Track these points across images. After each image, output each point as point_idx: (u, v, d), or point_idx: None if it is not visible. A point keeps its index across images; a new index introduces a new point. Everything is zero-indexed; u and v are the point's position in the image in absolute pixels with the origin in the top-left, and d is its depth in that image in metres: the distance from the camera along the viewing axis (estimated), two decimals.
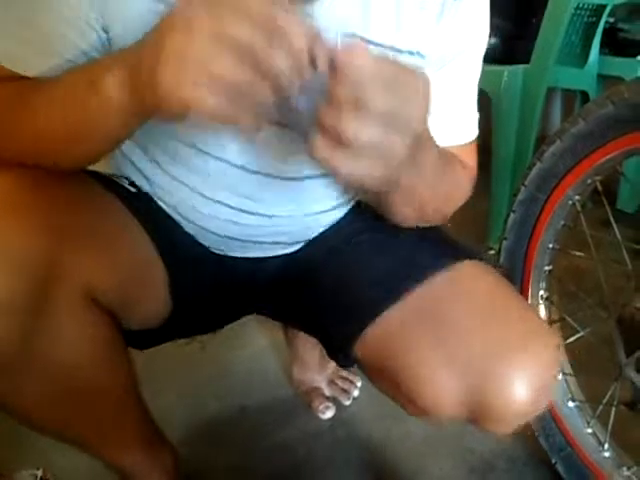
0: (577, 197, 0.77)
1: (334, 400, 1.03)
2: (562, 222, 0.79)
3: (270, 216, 0.63)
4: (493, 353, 0.53)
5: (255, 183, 0.60)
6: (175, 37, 0.38)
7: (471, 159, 0.66)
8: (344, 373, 1.07)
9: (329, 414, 1.00)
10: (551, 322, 0.85)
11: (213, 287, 0.69)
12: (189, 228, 0.66)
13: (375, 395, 1.05)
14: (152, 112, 0.43)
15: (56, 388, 0.56)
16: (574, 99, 1.93)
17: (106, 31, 0.51)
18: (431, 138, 0.49)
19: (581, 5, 1.52)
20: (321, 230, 0.70)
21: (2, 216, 0.47)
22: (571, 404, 0.83)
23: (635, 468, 0.78)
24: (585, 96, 1.76)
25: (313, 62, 0.39)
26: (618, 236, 0.76)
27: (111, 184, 0.62)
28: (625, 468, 0.78)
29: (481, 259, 0.63)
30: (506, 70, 1.46)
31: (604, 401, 0.78)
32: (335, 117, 0.39)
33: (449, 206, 0.62)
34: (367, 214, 0.66)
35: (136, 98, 0.43)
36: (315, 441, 0.96)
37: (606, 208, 0.78)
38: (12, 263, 0.47)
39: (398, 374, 0.57)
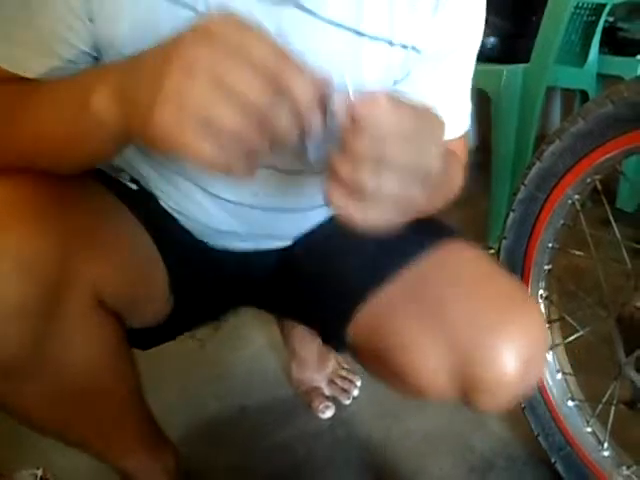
0: (577, 196, 0.77)
1: (334, 400, 1.03)
2: (562, 221, 0.79)
3: (270, 209, 0.64)
4: (481, 326, 0.54)
5: (256, 179, 0.60)
6: (174, 77, 0.36)
7: (463, 149, 0.67)
8: (344, 372, 1.07)
9: (329, 414, 1.00)
10: (551, 321, 0.85)
11: (211, 281, 0.70)
12: (187, 223, 0.66)
13: (375, 394, 1.05)
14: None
15: (62, 390, 0.56)
16: (573, 98, 1.93)
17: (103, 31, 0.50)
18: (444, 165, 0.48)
19: (581, 4, 1.52)
20: (316, 222, 0.71)
21: (11, 221, 0.47)
22: (570, 403, 0.83)
23: (635, 467, 0.78)
24: (585, 95, 1.76)
25: (322, 109, 0.38)
26: (618, 235, 0.76)
27: (111, 182, 0.62)
28: (625, 467, 0.78)
29: (462, 236, 0.63)
30: (505, 69, 1.46)
31: (603, 400, 0.78)
32: (352, 170, 0.38)
33: (443, 202, 0.63)
34: None
35: (130, 130, 0.41)
36: (315, 441, 0.96)
37: (606, 207, 0.78)
38: (23, 267, 0.46)
39: (389, 354, 0.58)
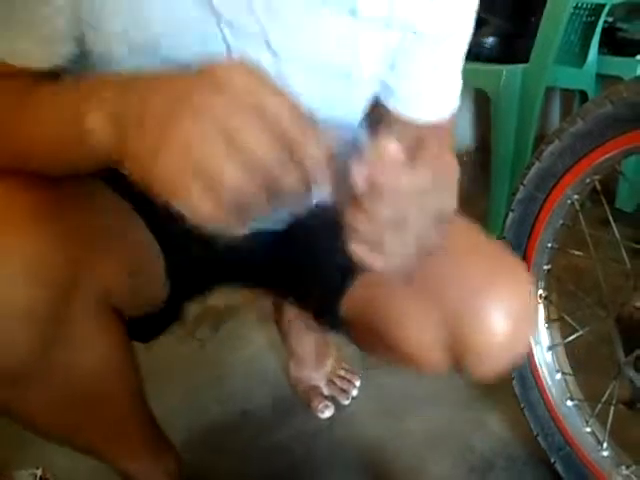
0: (576, 196, 0.77)
1: (333, 400, 1.03)
2: (561, 221, 0.79)
3: None
4: (469, 290, 0.54)
5: None
6: (184, 125, 0.35)
7: (451, 127, 0.66)
8: (342, 372, 1.07)
9: (328, 413, 1.00)
10: (550, 321, 0.85)
11: (206, 263, 0.70)
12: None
13: (374, 394, 1.05)
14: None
15: (67, 395, 0.56)
16: (573, 99, 1.93)
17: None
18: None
19: (580, 4, 1.53)
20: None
21: (16, 223, 0.46)
22: (570, 403, 0.83)
23: (634, 467, 0.78)
24: (584, 95, 1.76)
25: (331, 167, 0.38)
26: (617, 235, 0.77)
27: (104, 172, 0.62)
28: (624, 467, 0.78)
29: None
30: (505, 69, 1.46)
31: (603, 400, 0.79)
32: (371, 231, 0.39)
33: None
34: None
35: (123, 159, 0.39)
36: (314, 440, 0.96)
37: (605, 207, 0.78)
38: (31, 270, 0.46)
39: (381, 326, 0.58)
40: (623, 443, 0.81)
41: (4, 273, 0.45)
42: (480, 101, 2.16)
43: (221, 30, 0.50)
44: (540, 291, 0.84)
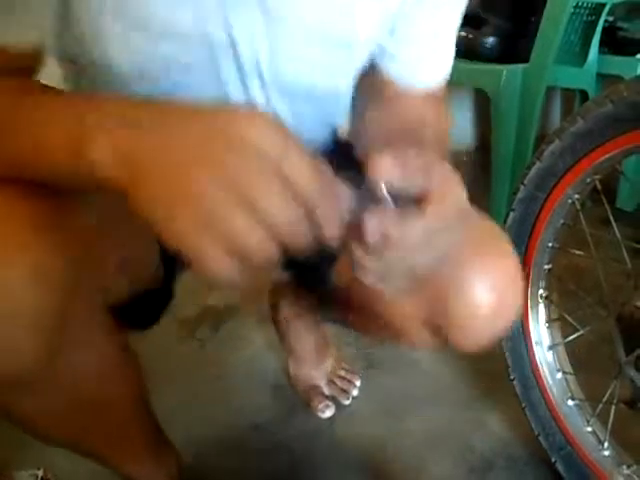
0: (576, 196, 0.77)
1: (333, 399, 1.03)
2: (561, 221, 0.79)
3: None
4: (453, 262, 0.53)
5: None
6: (203, 184, 0.34)
7: (444, 92, 0.66)
8: (343, 372, 1.07)
9: (328, 413, 1.00)
10: (551, 321, 0.85)
11: None
12: None
13: (374, 394, 1.05)
14: None
15: (70, 400, 0.56)
16: (573, 98, 1.93)
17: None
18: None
19: (580, 4, 1.52)
20: None
21: (16, 232, 0.45)
22: (570, 403, 0.83)
23: (635, 467, 0.78)
24: (584, 95, 1.76)
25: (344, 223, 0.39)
26: (617, 235, 0.77)
27: None
28: (625, 466, 0.78)
29: None
30: (505, 69, 1.46)
31: (604, 400, 0.78)
32: (379, 268, 0.40)
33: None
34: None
35: (131, 202, 0.37)
36: (314, 440, 0.96)
37: (605, 207, 0.78)
38: (33, 278, 0.44)
39: (367, 297, 0.57)
40: (624, 443, 0.80)
41: (7, 281, 0.44)
42: (480, 101, 2.16)
43: None
44: (541, 291, 0.84)
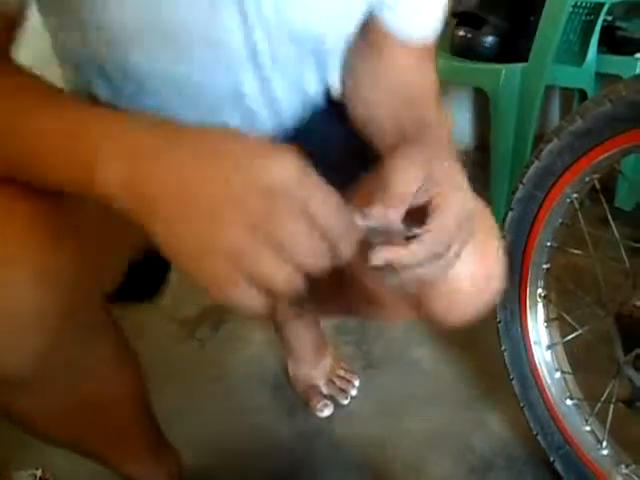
0: (575, 195, 0.77)
1: (332, 399, 1.03)
2: (560, 220, 0.79)
3: None
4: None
5: None
6: (233, 231, 0.34)
7: (433, 54, 0.66)
8: (342, 372, 1.07)
9: (327, 412, 1.00)
10: (549, 320, 0.85)
11: None
12: None
13: (374, 394, 1.05)
14: None
15: (71, 400, 0.56)
16: (572, 97, 1.93)
17: None
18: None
19: (579, 3, 1.52)
20: None
21: (17, 233, 0.44)
22: (569, 402, 0.83)
23: (634, 466, 0.78)
24: (583, 94, 1.76)
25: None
26: (616, 234, 0.77)
27: None
28: (624, 466, 0.78)
29: None
30: (504, 68, 1.46)
31: (602, 399, 0.79)
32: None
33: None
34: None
35: (151, 237, 0.36)
36: (314, 440, 0.96)
37: (604, 206, 0.78)
38: (35, 278, 0.44)
39: (353, 274, 0.57)
40: (623, 442, 0.81)
41: (7, 280, 0.44)
42: (479, 100, 2.16)
43: None
44: (539, 290, 0.84)
